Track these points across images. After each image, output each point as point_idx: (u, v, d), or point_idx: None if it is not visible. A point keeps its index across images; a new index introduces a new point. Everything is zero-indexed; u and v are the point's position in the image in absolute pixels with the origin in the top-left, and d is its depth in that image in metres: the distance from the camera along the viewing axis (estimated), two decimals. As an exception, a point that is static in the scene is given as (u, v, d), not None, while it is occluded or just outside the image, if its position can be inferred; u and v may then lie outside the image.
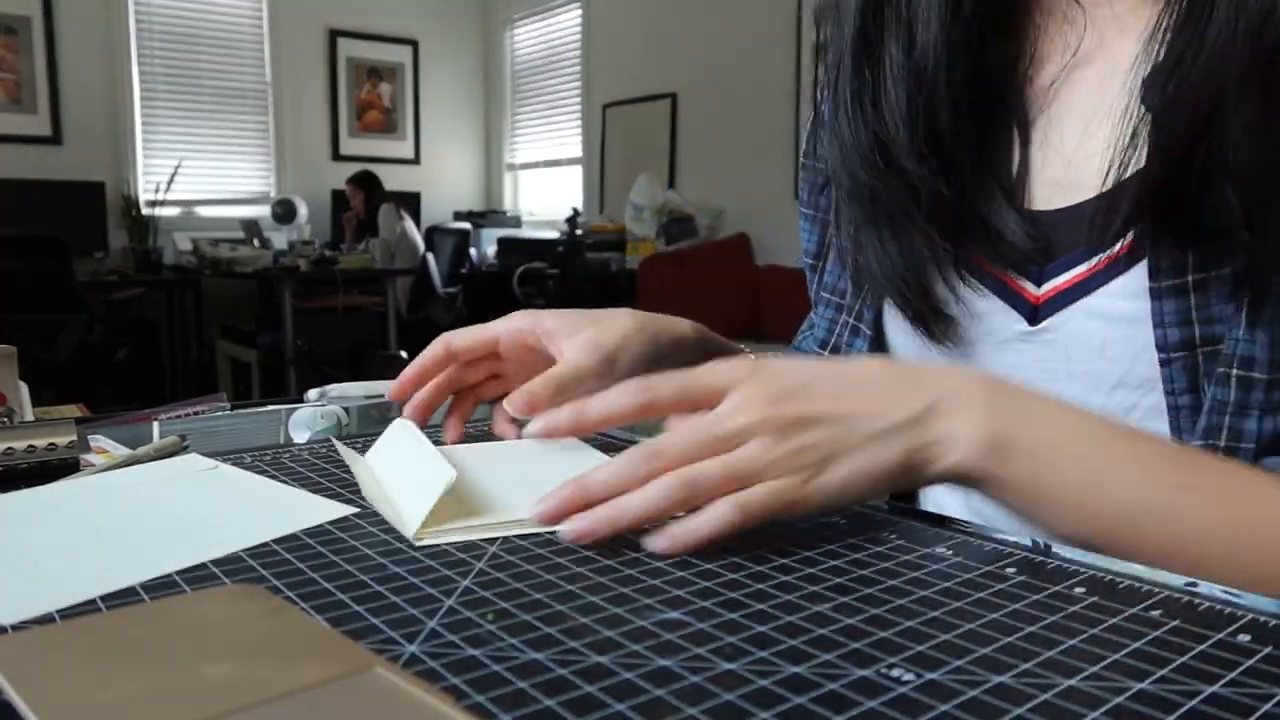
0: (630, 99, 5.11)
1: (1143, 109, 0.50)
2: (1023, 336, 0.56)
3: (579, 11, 5.49)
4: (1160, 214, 0.49)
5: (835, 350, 0.69)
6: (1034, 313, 0.55)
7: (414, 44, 5.99)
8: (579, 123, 5.57)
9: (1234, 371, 0.48)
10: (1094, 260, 0.53)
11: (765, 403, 0.43)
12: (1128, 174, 0.51)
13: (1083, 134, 0.55)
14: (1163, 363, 0.51)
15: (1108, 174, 0.51)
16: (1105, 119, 0.53)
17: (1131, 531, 0.44)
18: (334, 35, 5.71)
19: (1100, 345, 0.53)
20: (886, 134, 0.57)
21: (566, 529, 0.43)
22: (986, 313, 0.57)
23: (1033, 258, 0.55)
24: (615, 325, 0.61)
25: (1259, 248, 0.47)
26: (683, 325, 0.66)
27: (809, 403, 0.44)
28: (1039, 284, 0.55)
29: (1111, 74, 0.54)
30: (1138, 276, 0.51)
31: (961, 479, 0.45)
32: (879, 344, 0.64)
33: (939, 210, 0.57)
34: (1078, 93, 0.56)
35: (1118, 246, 0.52)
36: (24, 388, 0.74)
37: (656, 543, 0.42)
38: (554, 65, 5.79)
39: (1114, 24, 0.55)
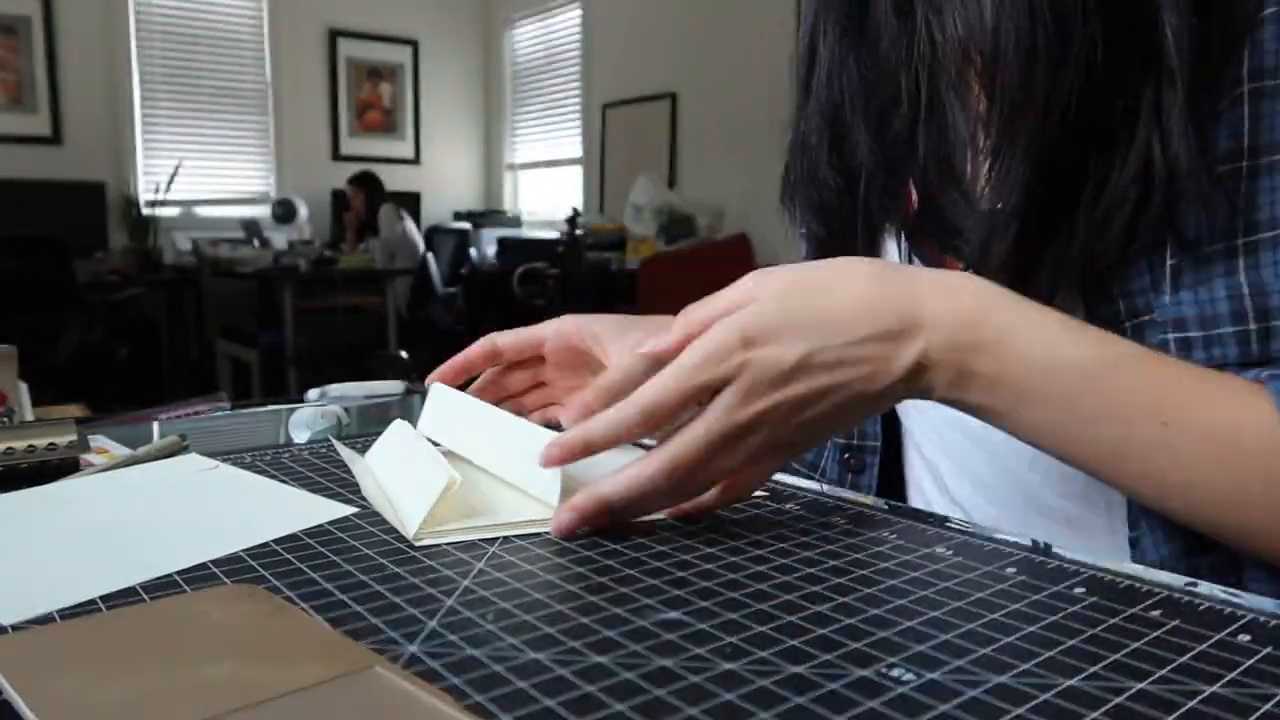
0: (630, 99, 5.11)
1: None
2: None
3: (579, 11, 5.49)
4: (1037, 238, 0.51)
5: None
6: None
7: (414, 44, 5.99)
8: (579, 123, 5.57)
9: (1170, 336, 0.49)
10: None
11: (770, 387, 0.43)
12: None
13: None
14: None
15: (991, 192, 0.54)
16: None
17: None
18: (334, 35, 5.71)
19: None
20: (818, 173, 0.62)
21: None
22: None
23: (995, 255, 0.56)
24: (663, 326, 0.60)
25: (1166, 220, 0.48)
26: None
27: (810, 379, 0.43)
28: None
29: None
30: None
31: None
32: None
33: (871, 226, 0.61)
34: None
35: None
36: (24, 387, 0.74)
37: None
38: (554, 65, 5.79)
39: None
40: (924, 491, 0.65)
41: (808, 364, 0.43)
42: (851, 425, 0.47)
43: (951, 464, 0.62)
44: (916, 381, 0.45)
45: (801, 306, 0.44)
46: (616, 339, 0.60)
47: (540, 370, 0.65)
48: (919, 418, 0.65)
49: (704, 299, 0.46)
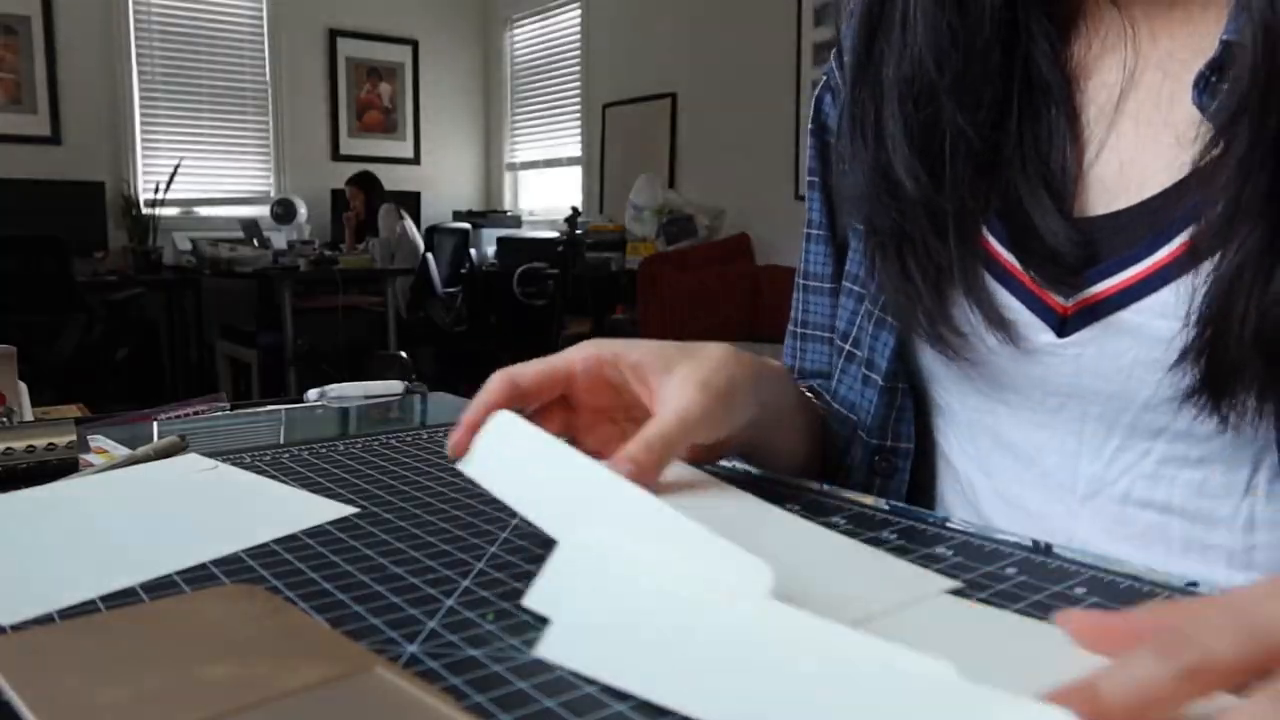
0: (630, 99, 5.11)
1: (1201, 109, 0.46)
2: (1050, 349, 0.52)
3: (578, 11, 5.49)
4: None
5: (857, 343, 0.63)
6: (1062, 325, 0.52)
7: (414, 44, 5.99)
8: (579, 123, 5.57)
9: None
10: (1131, 271, 0.49)
11: None
12: (1192, 170, 0.47)
13: (1137, 137, 0.52)
14: None
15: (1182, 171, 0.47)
16: (1166, 122, 0.50)
17: None
18: (334, 35, 5.71)
19: (1130, 364, 0.50)
20: (887, 158, 0.54)
21: None
22: (1013, 321, 0.53)
23: (1073, 266, 0.51)
24: (715, 357, 0.50)
25: None
26: (771, 360, 0.57)
27: None
28: (1069, 295, 0.51)
29: (1175, 78, 0.51)
30: (1172, 294, 0.47)
31: None
32: (903, 338, 0.60)
33: (962, 223, 0.53)
34: (1137, 96, 0.52)
35: (1163, 253, 0.48)
36: (24, 388, 0.74)
37: None
38: (553, 65, 5.79)
39: (1173, 27, 0.52)
40: (949, 508, 0.61)
41: None
42: None
43: (989, 483, 0.58)
44: None
45: None
46: (661, 370, 0.50)
47: (567, 410, 0.53)
48: (952, 422, 0.59)
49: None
